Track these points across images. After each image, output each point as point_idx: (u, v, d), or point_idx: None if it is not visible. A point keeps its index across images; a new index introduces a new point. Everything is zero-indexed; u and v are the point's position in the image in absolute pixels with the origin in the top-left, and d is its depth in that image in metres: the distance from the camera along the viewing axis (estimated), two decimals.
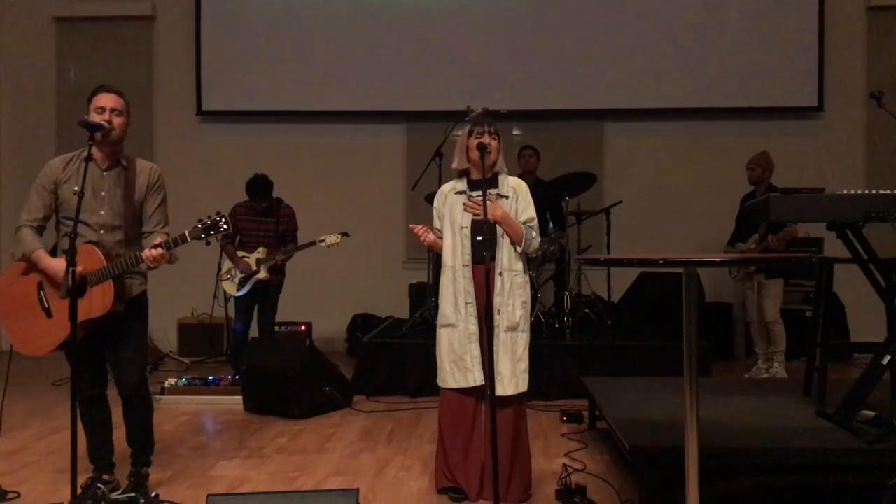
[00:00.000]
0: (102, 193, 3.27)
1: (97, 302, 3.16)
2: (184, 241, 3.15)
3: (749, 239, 5.99)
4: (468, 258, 3.34)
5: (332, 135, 8.00)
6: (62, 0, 8.13)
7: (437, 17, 7.77)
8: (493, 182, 3.40)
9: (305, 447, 4.30)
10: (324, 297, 7.61)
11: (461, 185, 3.45)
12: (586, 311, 6.17)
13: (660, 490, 3.02)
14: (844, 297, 6.70)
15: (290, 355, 5.14)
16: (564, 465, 3.53)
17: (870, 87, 7.17)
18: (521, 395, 3.35)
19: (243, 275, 5.75)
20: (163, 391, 5.41)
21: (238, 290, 5.79)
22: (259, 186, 5.77)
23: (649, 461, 3.11)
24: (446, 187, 3.52)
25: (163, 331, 7.38)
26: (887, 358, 3.38)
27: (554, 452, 4.10)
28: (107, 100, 3.24)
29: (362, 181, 7.95)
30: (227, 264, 5.90)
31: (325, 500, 2.75)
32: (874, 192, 3.26)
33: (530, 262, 3.80)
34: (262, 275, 5.72)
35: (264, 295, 5.84)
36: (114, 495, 3.30)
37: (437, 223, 3.50)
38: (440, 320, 3.42)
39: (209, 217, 3.17)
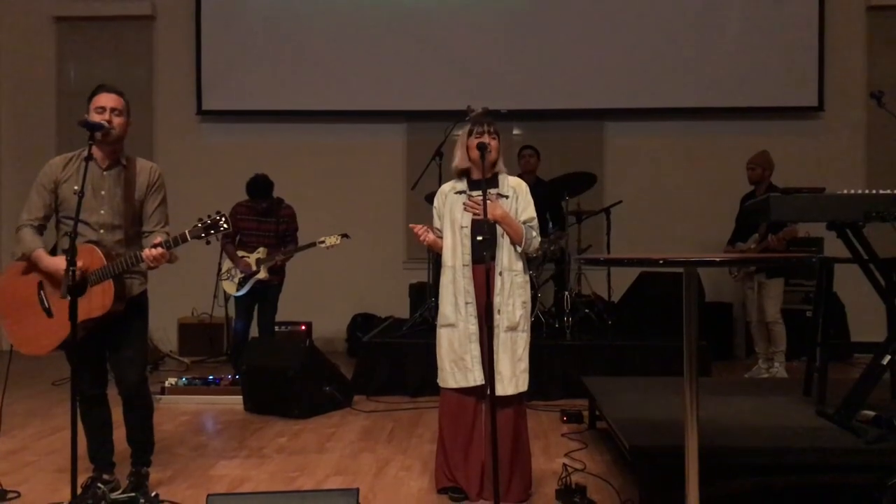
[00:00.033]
0: (102, 193, 3.27)
1: (97, 301, 3.16)
2: (184, 240, 3.15)
3: (749, 239, 5.98)
4: (468, 258, 3.34)
5: (332, 134, 8.00)
6: (62, 0, 8.13)
7: (437, 17, 7.77)
8: (493, 182, 3.40)
9: (305, 447, 4.30)
10: (324, 296, 7.62)
11: (461, 184, 3.45)
12: (586, 310, 6.17)
13: (660, 490, 3.02)
14: (844, 297, 6.69)
15: (290, 355, 5.14)
16: (564, 464, 3.53)
17: (870, 87, 7.15)
18: (521, 394, 3.35)
19: (243, 274, 5.75)
20: (163, 391, 5.41)
21: (238, 289, 5.79)
22: (259, 186, 5.78)
23: (649, 461, 3.11)
24: (446, 187, 3.51)
25: (163, 330, 7.38)
26: (887, 358, 3.38)
27: (554, 452, 4.10)
28: (107, 99, 3.24)
29: (362, 181, 7.95)
30: (227, 264, 5.90)
31: (326, 499, 2.75)
32: (874, 192, 3.26)
33: (530, 262, 3.80)
34: (262, 275, 5.73)
35: (264, 295, 5.84)
36: (114, 495, 3.30)
37: (436, 223, 3.50)
38: (440, 320, 3.42)
39: (209, 216, 3.17)
